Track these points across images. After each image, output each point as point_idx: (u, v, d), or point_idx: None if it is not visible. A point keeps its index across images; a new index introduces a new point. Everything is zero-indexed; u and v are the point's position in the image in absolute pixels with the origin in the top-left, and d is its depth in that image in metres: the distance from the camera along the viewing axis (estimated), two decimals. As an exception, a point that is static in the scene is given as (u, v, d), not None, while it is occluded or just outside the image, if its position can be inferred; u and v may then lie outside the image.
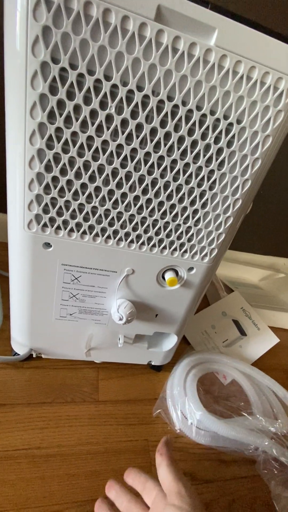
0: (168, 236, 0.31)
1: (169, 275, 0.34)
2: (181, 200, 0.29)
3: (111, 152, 0.25)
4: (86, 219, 0.29)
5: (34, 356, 0.43)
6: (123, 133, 0.25)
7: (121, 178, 0.27)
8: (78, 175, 0.26)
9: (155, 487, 0.27)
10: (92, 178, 0.27)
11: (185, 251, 0.33)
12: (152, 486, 0.27)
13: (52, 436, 0.37)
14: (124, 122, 0.24)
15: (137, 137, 0.25)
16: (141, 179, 0.27)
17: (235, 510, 0.36)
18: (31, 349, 0.41)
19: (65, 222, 0.29)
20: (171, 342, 0.44)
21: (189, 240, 0.32)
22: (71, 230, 0.30)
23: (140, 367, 0.49)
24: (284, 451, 0.39)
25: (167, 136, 0.25)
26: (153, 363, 0.47)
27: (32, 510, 0.31)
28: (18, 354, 0.42)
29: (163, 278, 0.35)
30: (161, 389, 0.46)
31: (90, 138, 0.25)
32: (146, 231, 0.31)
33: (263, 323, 0.61)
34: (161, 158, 0.26)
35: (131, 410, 0.43)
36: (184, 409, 0.42)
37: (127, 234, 0.31)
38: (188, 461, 0.39)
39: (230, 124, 0.25)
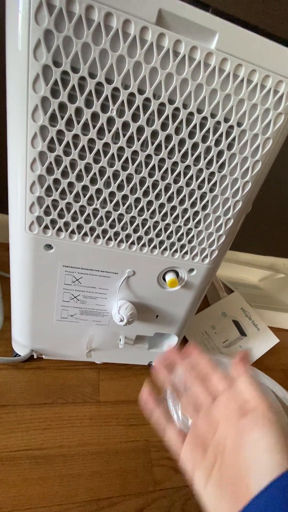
0: (169, 237, 0.32)
1: (169, 277, 0.34)
2: (181, 202, 0.29)
3: (112, 154, 0.26)
4: (87, 221, 0.29)
5: (35, 357, 0.43)
6: (124, 135, 0.25)
7: (122, 180, 0.27)
8: (79, 178, 0.27)
9: (222, 381, 0.24)
10: (93, 180, 0.27)
11: (186, 253, 0.33)
12: (220, 379, 0.25)
13: (53, 437, 0.37)
14: (125, 125, 0.25)
15: (138, 139, 0.25)
16: (142, 181, 0.27)
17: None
18: (32, 350, 0.41)
19: (66, 224, 0.29)
20: (172, 342, 0.44)
21: (190, 241, 0.32)
22: (72, 232, 0.30)
23: (141, 367, 0.49)
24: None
25: (168, 138, 0.26)
26: (154, 364, 0.47)
27: (34, 510, 0.31)
28: (19, 355, 0.42)
29: (164, 279, 0.35)
30: (161, 389, 0.47)
31: (91, 141, 0.25)
32: (147, 233, 0.31)
33: (263, 324, 0.62)
34: (162, 160, 0.26)
35: (131, 410, 0.43)
36: (185, 410, 0.42)
37: (128, 236, 0.31)
38: (188, 461, 0.39)
39: (231, 127, 0.26)
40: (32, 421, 0.38)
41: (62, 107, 0.23)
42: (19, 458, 0.34)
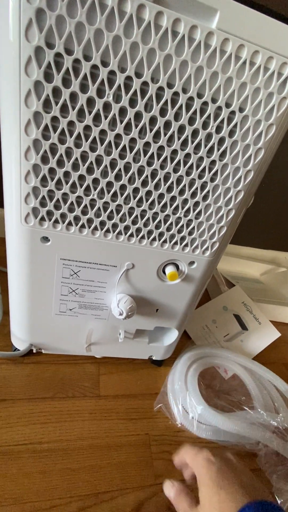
0: (168, 229, 0.31)
1: (169, 270, 0.34)
2: (181, 192, 0.28)
3: (109, 142, 0.25)
4: (84, 212, 0.29)
5: (34, 351, 0.43)
6: (121, 122, 0.24)
7: (120, 170, 0.26)
8: (75, 167, 0.26)
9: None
10: (90, 170, 0.26)
11: (186, 245, 0.32)
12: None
13: (53, 431, 0.37)
14: (123, 111, 0.24)
15: (136, 126, 0.24)
16: (140, 171, 0.27)
17: (236, 503, 0.36)
18: (31, 345, 0.41)
19: (63, 216, 0.28)
20: (172, 336, 0.44)
21: (190, 233, 0.32)
22: (69, 223, 0.29)
23: (141, 361, 0.49)
24: (285, 445, 0.39)
25: (167, 125, 0.25)
26: (154, 358, 0.47)
27: (33, 504, 0.31)
28: (18, 350, 0.42)
29: (164, 272, 0.35)
30: (162, 383, 0.46)
31: (87, 128, 0.24)
32: (146, 225, 0.30)
33: (264, 317, 0.61)
34: (161, 148, 0.26)
35: (132, 404, 0.43)
36: (185, 404, 0.42)
37: (126, 228, 0.30)
38: (189, 455, 0.39)
39: (232, 113, 0.24)
40: (32, 415, 0.38)
41: (56, 92, 0.22)
42: (19, 452, 0.34)
